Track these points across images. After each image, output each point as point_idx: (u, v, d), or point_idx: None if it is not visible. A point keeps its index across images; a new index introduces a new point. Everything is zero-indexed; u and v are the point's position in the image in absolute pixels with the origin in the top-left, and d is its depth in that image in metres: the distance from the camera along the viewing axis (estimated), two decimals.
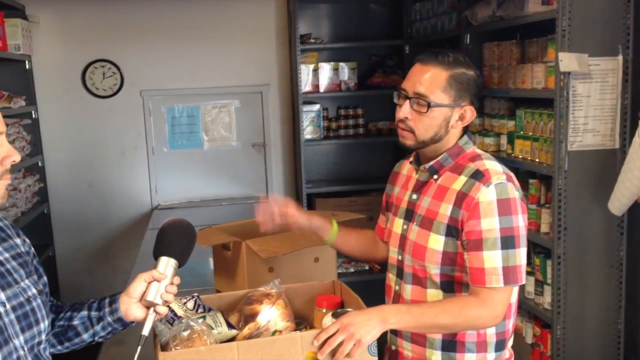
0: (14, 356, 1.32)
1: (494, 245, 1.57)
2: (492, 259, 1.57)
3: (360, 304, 1.78)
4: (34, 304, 1.42)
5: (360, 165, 4.94)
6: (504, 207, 1.59)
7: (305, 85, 4.54)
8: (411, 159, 1.86)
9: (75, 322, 1.52)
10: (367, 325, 1.50)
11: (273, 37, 4.77)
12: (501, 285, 1.57)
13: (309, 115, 4.62)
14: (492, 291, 1.57)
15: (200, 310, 1.80)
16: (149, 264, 1.55)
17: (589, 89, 2.73)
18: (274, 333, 1.69)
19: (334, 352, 1.52)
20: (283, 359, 1.53)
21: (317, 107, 4.65)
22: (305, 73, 4.55)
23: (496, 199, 1.59)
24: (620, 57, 2.72)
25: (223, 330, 1.72)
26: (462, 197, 1.62)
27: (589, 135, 2.76)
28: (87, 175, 4.69)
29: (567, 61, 2.66)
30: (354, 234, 2.01)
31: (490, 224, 1.58)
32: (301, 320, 1.90)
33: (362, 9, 4.79)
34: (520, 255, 1.59)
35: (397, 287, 1.80)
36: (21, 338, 1.36)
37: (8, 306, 1.35)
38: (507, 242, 1.57)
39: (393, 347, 1.83)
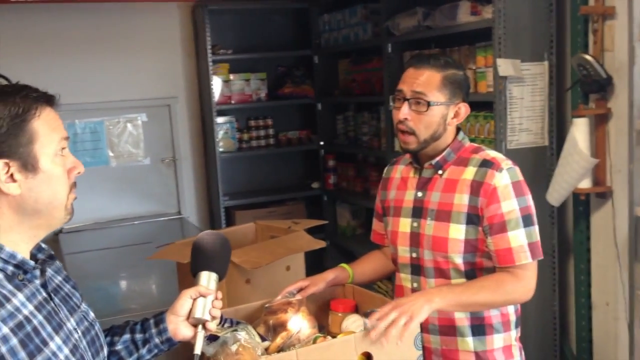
0: None
1: (517, 225, 1.69)
2: (517, 237, 1.68)
3: (385, 299, 1.81)
4: (96, 328, 1.30)
5: (273, 175, 4.94)
6: (518, 188, 1.72)
7: (216, 97, 4.47)
8: (409, 160, 1.91)
9: (118, 347, 1.40)
10: (416, 304, 1.58)
11: (179, 49, 4.64)
12: (530, 261, 1.69)
13: (223, 128, 4.54)
14: (522, 268, 1.69)
15: (227, 324, 1.73)
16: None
17: (522, 92, 2.96)
18: (315, 340, 1.66)
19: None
20: None
21: (230, 118, 4.58)
22: (217, 84, 4.48)
23: (510, 182, 1.71)
24: (546, 63, 2.99)
25: (257, 342, 1.67)
26: (477, 186, 1.72)
27: (524, 134, 3.00)
28: None
29: (505, 66, 2.88)
30: (366, 264, 2.05)
31: (510, 206, 1.69)
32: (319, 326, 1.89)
33: (266, 21, 4.80)
34: (537, 231, 1.73)
35: (414, 285, 1.84)
36: None
37: (79, 332, 1.22)
38: (527, 220, 1.70)
39: None
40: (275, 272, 2.48)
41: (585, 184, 2.85)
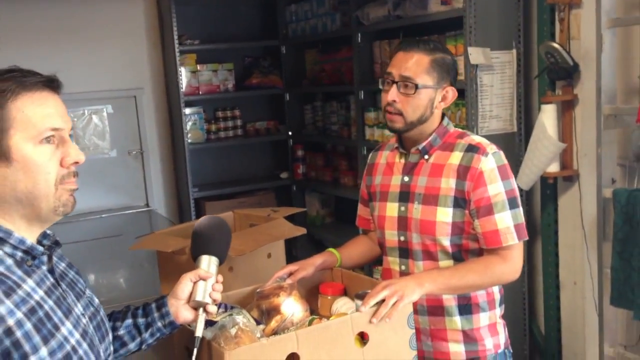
0: None
1: (503, 207, 1.75)
2: (503, 219, 1.74)
3: (374, 281, 1.85)
4: (101, 314, 1.31)
5: (242, 166, 4.93)
6: (504, 172, 1.78)
7: (183, 87, 4.43)
8: (394, 146, 1.96)
9: (121, 332, 1.41)
10: (408, 287, 1.62)
11: (144, 39, 4.58)
12: (516, 242, 1.75)
13: (191, 119, 4.51)
14: (508, 249, 1.75)
15: (221, 309, 1.74)
16: None
17: (492, 80, 3.04)
18: (311, 322, 1.69)
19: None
20: (337, 342, 1.55)
21: (198, 109, 4.56)
22: (184, 75, 4.44)
23: (496, 166, 1.77)
24: (514, 51, 3.07)
25: (255, 325, 1.69)
26: (464, 170, 1.77)
27: (494, 121, 3.08)
28: None
29: (476, 55, 2.95)
30: (353, 248, 2.07)
31: (496, 189, 1.75)
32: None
33: (233, 11, 4.78)
34: (522, 212, 1.79)
35: (402, 267, 1.89)
36: (101, 351, 1.24)
37: (86, 317, 1.23)
38: (513, 202, 1.77)
39: None
40: (256, 260, 2.50)
41: (553, 168, 2.95)
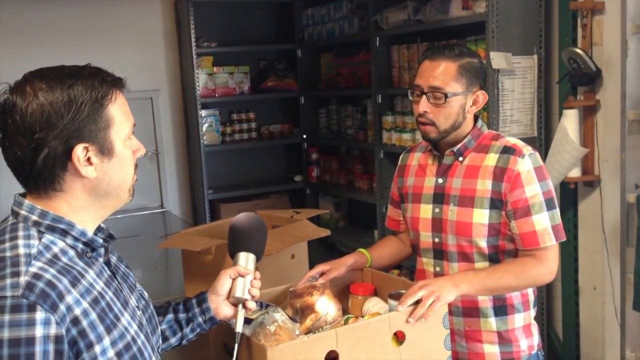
0: None
1: (541, 209, 1.75)
2: (541, 221, 1.75)
3: (405, 281, 1.86)
4: (152, 307, 1.33)
5: (256, 168, 4.94)
6: (540, 173, 1.78)
7: (200, 89, 4.45)
8: (426, 148, 1.96)
9: (163, 326, 1.44)
10: (444, 288, 1.63)
11: (161, 41, 4.60)
12: (554, 243, 1.76)
13: (207, 121, 4.53)
14: (545, 250, 1.76)
15: (257, 307, 1.75)
16: None
17: (513, 84, 3.06)
18: (347, 321, 1.70)
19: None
20: (374, 340, 1.56)
21: (214, 112, 4.57)
22: (201, 77, 4.46)
23: (533, 168, 1.77)
24: (535, 56, 3.09)
25: (293, 323, 1.70)
26: (500, 172, 1.78)
27: (515, 125, 3.09)
28: None
29: (498, 59, 2.96)
30: (383, 249, 2.08)
31: (533, 190, 1.76)
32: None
33: (249, 14, 4.80)
34: (559, 213, 1.80)
35: (437, 269, 1.90)
36: (153, 342, 1.26)
37: (140, 310, 1.24)
38: (550, 203, 1.77)
39: None
40: (280, 261, 2.51)
41: (575, 172, 2.96)
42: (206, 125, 4.52)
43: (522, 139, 3.05)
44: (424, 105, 1.80)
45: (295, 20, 4.77)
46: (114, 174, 1.18)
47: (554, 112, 3.17)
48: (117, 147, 1.18)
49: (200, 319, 1.45)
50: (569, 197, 3.10)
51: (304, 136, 4.84)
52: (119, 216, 4.47)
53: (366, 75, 4.09)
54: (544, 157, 3.06)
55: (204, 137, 4.46)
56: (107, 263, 1.23)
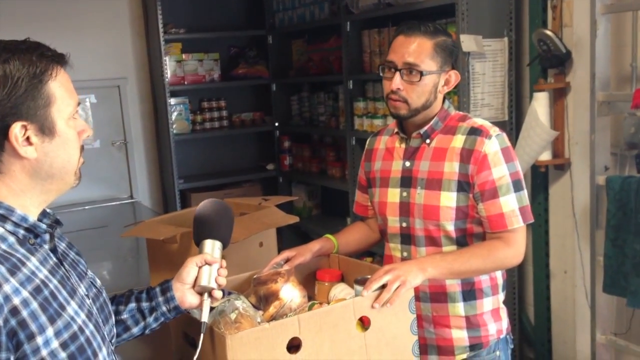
0: (104, 352, 1.16)
1: (508, 190, 1.72)
2: (508, 202, 1.71)
3: (372, 266, 1.82)
4: (104, 295, 1.27)
5: (228, 157, 4.87)
6: (507, 154, 1.75)
7: (168, 77, 4.36)
8: (393, 130, 1.92)
9: (124, 315, 1.37)
10: (410, 272, 1.59)
11: (127, 28, 4.50)
12: (521, 225, 1.73)
13: (176, 109, 4.44)
14: (513, 232, 1.72)
15: None
16: None
17: (484, 68, 3.02)
18: (311, 307, 1.66)
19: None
20: (338, 326, 1.52)
21: (183, 100, 4.49)
22: (169, 65, 4.37)
23: (500, 149, 1.74)
24: (506, 39, 3.06)
25: (255, 310, 1.65)
26: (467, 153, 1.74)
27: (486, 109, 3.06)
28: None
29: (468, 42, 2.93)
30: (350, 235, 2.04)
31: (500, 172, 1.72)
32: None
33: (218, 0, 4.71)
34: (526, 195, 1.77)
35: (404, 254, 1.86)
36: (105, 333, 1.20)
37: (90, 298, 1.18)
38: (517, 185, 1.74)
39: None
40: (248, 248, 2.46)
41: (545, 156, 2.95)
42: (175, 113, 4.43)
43: (494, 123, 3.08)
44: (397, 82, 1.74)
45: (265, 6, 4.70)
46: (56, 155, 1.11)
47: (525, 96, 3.15)
48: (60, 126, 1.11)
49: (164, 308, 1.39)
50: (539, 181, 3.09)
51: (276, 124, 4.78)
52: (86, 207, 4.40)
53: (337, 61, 4.04)
54: (515, 140, 3.05)
55: (174, 126, 4.37)
56: (54, 250, 1.16)
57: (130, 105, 4.55)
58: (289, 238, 4.64)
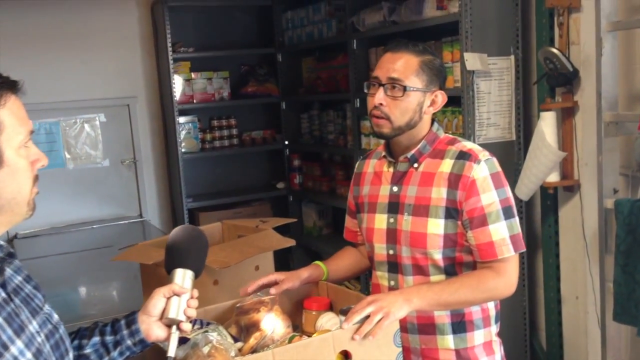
0: None
1: (498, 218, 1.64)
2: (498, 230, 1.64)
3: (361, 296, 1.75)
4: (61, 331, 1.22)
5: (237, 176, 4.84)
6: (497, 180, 1.67)
7: (178, 96, 4.35)
8: (382, 154, 1.85)
9: (87, 350, 1.32)
10: (395, 303, 1.53)
11: (137, 47, 4.51)
12: (512, 254, 1.64)
13: (185, 128, 4.43)
14: (504, 262, 1.64)
15: (197, 326, 1.65)
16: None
17: (489, 86, 2.95)
18: (291, 339, 1.59)
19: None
20: None
21: (192, 118, 4.48)
22: (178, 83, 4.37)
23: (489, 174, 1.66)
24: (512, 57, 2.98)
25: (230, 343, 1.59)
26: (455, 179, 1.67)
27: (492, 129, 2.98)
28: None
29: (472, 60, 2.86)
30: (340, 261, 1.98)
31: (490, 198, 1.64)
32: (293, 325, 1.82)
33: (228, 18, 4.71)
34: (518, 222, 1.68)
35: (392, 283, 1.78)
36: None
37: (42, 335, 1.13)
38: (508, 212, 1.66)
39: None
40: (243, 273, 2.40)
41: (553, 177, 2.85)
42: (184, 132, 4.42)
43: (500, 143, 3.02)
44: (380, 97, 1.69)
45: (275, 24, 4.68)
46: (4, 185, 1.08)
47: (533, 115, 3.06)
48: (8, 155, 1.08)
49: (129, 342, 1.33)
50: (549, 203, 2.99)
51: (286, 142, 4.74)
52: (95, 226, 4.39)
53: (345, 79, 3.99)
54: (523, 161, 2.95)
55: (182, 145, 4.36)
56: (3, 285, 1.12)
57: (139, 123, 4.56)
58: (299, 258, 4.58)
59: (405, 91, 1.67)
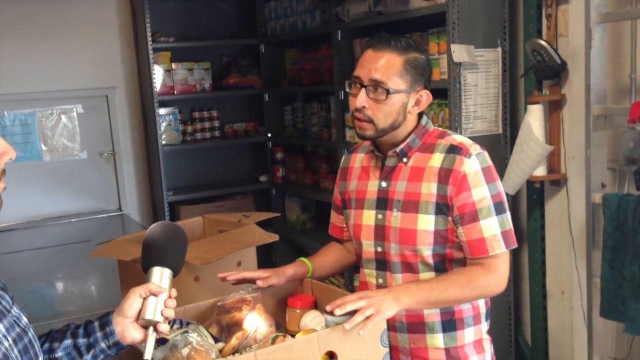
0: None
1: (489, 213, 1.59)
2: (489, 226, 1.59)
3: (346, 294, 1.69)
4: (30, 334, 1.15)
5: (219, 168, 4.76)
6: (488, 174, 1.62)
7: (158, 87, 4.25)
8: (369, 148, 1.79)
9: (59, 354, 1.25)
10: (384, 302, 1.48)
11: (116, 36, 4.40)
12: (503, 251, 1.60)
13: (166, 119, 4.34)
14: (494, 258, 1.60)
15: (176, 326, 1.58)
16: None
17: (476, 79, 2.90)
18: (274, 340, 1.53)
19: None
20: None
21: (173, 110, 4.38)
22: (158, 74, 4.27)
23: (480, 168, 1.61)
24: (499, 49, 2.93)
25: (210, 344, 1.52)
26: (446, 173, 1.61)
27: (478, 122, 2.94)
28: None
29: (459, 52, 2.80)
30: (325, 257, 1.92)
31: (481, 193, 1.60)
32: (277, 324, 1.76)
33: (210, 7, 4.61)
34: (509, 218, 1.64)
35: (380, 281, 1.73)
36: None
37: (10, 339, 1.06)
38: (499, 207, 1.61)
39: None
40: (225, 268, 2.32)
41: (540, 171, 2.81)
42: (164, 124, 4.32)
43: (487, 136, 2.97)
44: (362, 100, 1.62)
45: (257, 14, 4.59)
46: None
47: (520, 108, 3.02)
48: None
49: (103, 345, 1.27)
50: (535, 197, 2.96)
51: (269, 135, 4.67)
52: (73, 220, 4.29)
53: (329, 71, 3.92)
54: (509, 154, 2.92)
55: (163, 137, 4.26)
56: None
57: (118, 115, 4.45)
58: (283, 252, 4.52)
59: (388, 94, 1.60)
